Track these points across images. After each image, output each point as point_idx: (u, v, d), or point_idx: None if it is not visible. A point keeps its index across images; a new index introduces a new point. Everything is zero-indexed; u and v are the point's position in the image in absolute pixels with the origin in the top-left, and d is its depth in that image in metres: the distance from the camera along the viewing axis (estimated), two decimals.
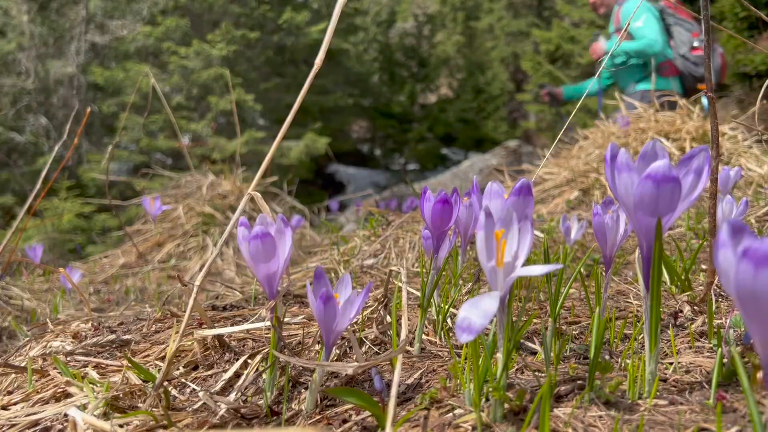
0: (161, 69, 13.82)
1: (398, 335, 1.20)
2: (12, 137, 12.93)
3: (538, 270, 0.81)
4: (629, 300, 1.43)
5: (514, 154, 15.39)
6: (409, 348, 1.19)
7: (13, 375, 1.12)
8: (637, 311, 1.37)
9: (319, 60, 0.96)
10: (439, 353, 1.16)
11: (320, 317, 0.91)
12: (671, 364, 1.02)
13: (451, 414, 0.88)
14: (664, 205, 0.80)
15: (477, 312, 0.78)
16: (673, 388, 0.94)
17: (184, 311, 1.48)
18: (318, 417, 0.93)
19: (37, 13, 13.36)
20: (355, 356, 1.07)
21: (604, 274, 1.22)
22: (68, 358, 1.13)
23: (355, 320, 1.08)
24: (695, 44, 3.96)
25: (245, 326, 1.00)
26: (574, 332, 1.29)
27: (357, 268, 2.00)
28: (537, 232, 2.28)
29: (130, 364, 0.97)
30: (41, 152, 12.17)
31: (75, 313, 2.19)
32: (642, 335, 1.22)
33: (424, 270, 1.32)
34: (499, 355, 0.86)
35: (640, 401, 0.87)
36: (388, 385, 1.05)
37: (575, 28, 14.03)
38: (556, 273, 1.70)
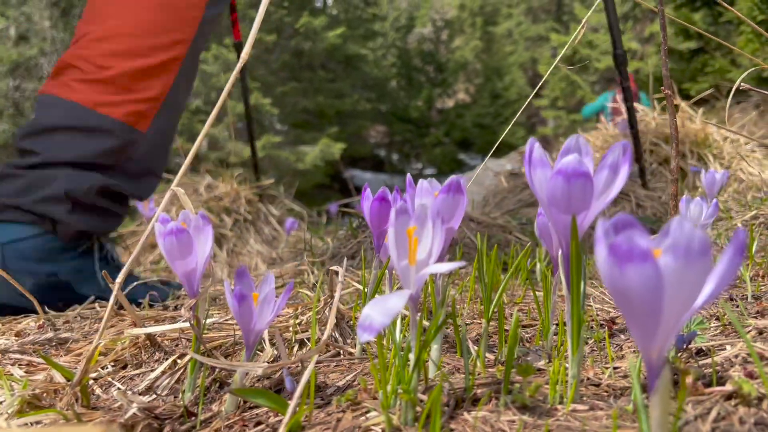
0: None
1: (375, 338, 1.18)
2: None
3: (444, 267, 0.78)
4: (590, 303, 1.39)
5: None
6: (351, 350, 1.17)
7: None
8: (597, 314, 1.34)
9: (245, 53, 0.95)
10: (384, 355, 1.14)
11: (237, 316, 0.90)
12: (607, 368, 0.98)
13: (364, 417, 0.85)
14: (577, 202, 0.77)
15: (380, 310, 0.75)
16: (604, 393, 0.91)
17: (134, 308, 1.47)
18: (235, 418, 0.91)
19: (59, 18, 13.60)
20: (292, 357, 1.05)
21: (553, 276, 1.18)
22: (4, 356, 1.12)
23: (274, 320, 1.06)
24: None
25: (168, 327, 0.99)
26: (527, 335, 1.26)
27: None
28: (520, 235, 2.25)
29: (51, 362, 0.96)
30: None
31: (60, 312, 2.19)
32: (591, 339, 1.19)
33: (367, 270, 1.30)
34: (411, 356, 0.83)
35: (559, 406, 0.83)
36: (319, 388, 1.02)
37: (593, 33, 13.92)
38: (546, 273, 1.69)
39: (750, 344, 0.69)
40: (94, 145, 1.73)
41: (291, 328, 1.19)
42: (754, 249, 1.52)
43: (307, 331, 1.21)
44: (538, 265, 1.79)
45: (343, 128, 16.39)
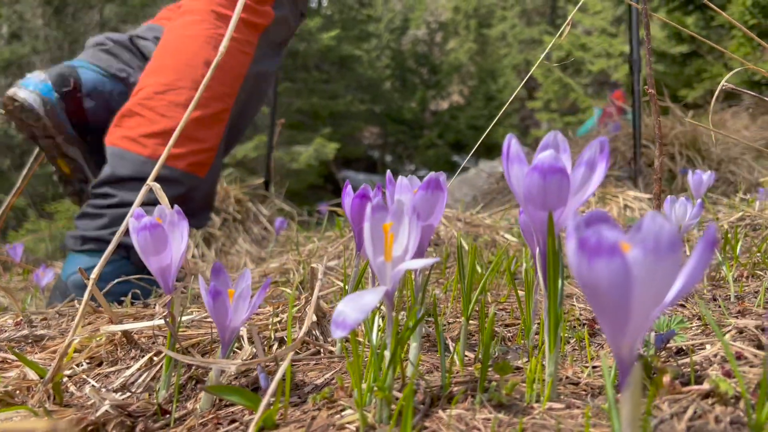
0: None
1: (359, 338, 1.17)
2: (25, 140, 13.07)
3: (418, 263, 0.78)
4: (573, 303, 1.38)
5: None
6: (331, 348, 1.16)
7: None
8: (580, 314, 1.33)
9: (222, 47, 0.94)
10: (363, 353, 1.13)
11: (212, 313, 0.88)
12: (587, 367, 0.98)
13: (339, 415, 0.84)
14: (553, 198, 0.76)
15: (354, 306, 0.74)
16: (582, 392, 0.90)
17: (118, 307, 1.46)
18: (210, 416, 0.90)
19: (52, 17, 13.51)
20: (269, 353, 1.04)
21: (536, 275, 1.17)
22: None
23: (250, 317, 1.05)
24: None
25: (143, 324, 0.98)
26: (509, 334, 1.26)
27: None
28: (507, 236, 2.24)
29: (23, 359, 0.95)
30: None
31: (39, 310, 2.18)
32: (572, 338, 1.18)
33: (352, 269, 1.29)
34: (387, 353, 0.82)
35: (535, 404, 0.83)
36: (297, 386, 1.01)
37: (586, 36, 13.93)
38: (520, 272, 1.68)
39: (725, 343, 0.68)
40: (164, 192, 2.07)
41: (270, 326, 1.18)
42: (738, 250, 1.52)
43: (286, 329, 1.20)
44: (524, 264, 1.79)
45: (336, 129, 16.36)
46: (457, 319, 1.37)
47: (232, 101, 2.19)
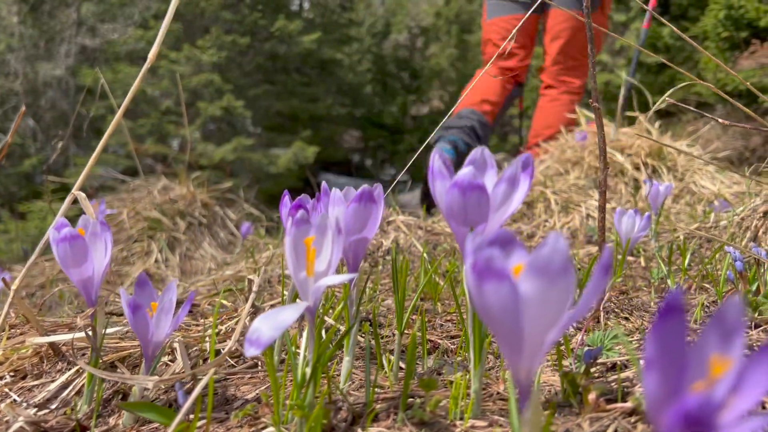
0: (151, 73, 13.72)
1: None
2: None
3: (339, 279, 0.76)
4: None
5: (498, 167, 15.34)
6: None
7: None
8: None
9: (152, 54, 0.92)
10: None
11: (133, 327, 0.86)
12: None
13: None
14: (474, 215, 0.76)
15: (270, 323, 0.73)
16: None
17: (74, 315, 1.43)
18: None
19: (28, 14, 13.31)
20: (184, 369, 1.02)
21: None
22: None
23: (173, 331, 1.03)
24: None
25: (67, 336, 0.95)
26: (452, 346, 1.25)
27: (275, 277, 1.95)
28: None
29: None
30: (27, 154, 12.08)
31: None
32: None
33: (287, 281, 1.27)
34: (308, 370, 0.81)
35: (458, 422, 0.82)
36: (228, 400, 1.00)
37: None
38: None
39: (634, 358, 0.67)
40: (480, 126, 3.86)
41: (208, 338, 1.16)
42: (687, 262, 1.53)
43: (225, 341, 1.18)
44: None
45: (317, 132, 16.28)
46: (404, 332, 1.36)
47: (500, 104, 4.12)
